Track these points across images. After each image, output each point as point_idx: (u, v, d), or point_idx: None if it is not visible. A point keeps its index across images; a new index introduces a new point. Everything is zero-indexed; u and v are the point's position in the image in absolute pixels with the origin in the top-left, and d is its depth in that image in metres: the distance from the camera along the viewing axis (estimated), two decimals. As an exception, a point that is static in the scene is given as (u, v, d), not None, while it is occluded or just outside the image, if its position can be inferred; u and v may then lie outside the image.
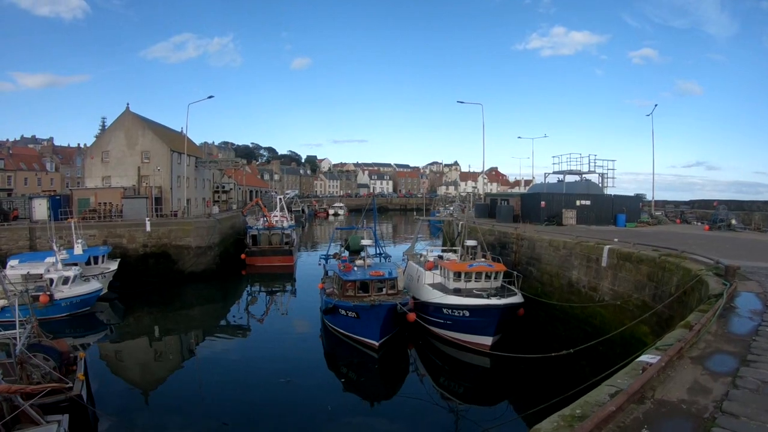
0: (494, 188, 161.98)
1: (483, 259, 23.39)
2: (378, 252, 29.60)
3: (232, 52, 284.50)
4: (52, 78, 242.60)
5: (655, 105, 42.17)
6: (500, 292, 21.01)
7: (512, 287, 21.52)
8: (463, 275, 21.68)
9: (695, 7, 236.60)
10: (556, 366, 13.41)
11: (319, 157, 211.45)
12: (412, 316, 20.73)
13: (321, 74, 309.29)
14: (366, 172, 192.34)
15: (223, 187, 60.25)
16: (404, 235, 56.04)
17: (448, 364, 20.09)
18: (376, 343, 20.08)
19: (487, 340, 19.89)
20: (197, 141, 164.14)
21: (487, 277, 21.77)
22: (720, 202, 39.67)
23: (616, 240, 20.28)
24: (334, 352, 21.57)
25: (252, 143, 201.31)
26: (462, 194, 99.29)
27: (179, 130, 61.52)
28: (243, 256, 42.44)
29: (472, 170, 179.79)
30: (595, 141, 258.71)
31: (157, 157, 46.75)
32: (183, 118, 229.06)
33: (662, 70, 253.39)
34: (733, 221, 31.93)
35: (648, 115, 40.42)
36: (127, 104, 49.21)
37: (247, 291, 37.07)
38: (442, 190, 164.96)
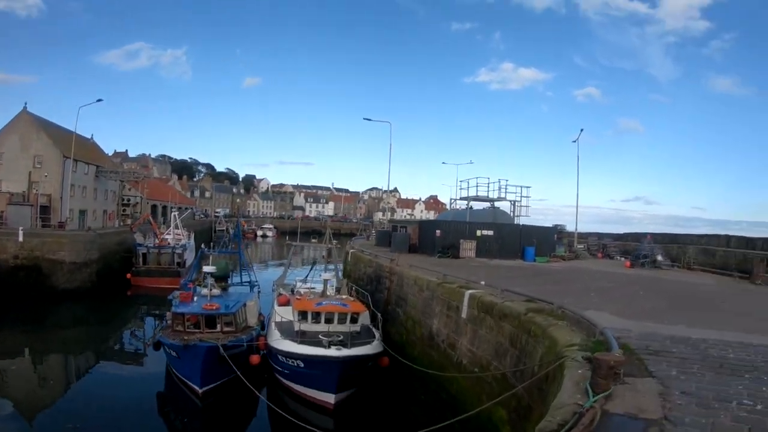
0: (431, 216, 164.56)
1: (342, 296, 21.01)
2: (245, 279, 27.61)
3: (184, 64, 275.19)
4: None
5: (581, 130, 42.51)
6: (356, 338, 17.86)
7: (377, 331, 18.94)
8: (309, 315, 18.60)
9: (641, 50, 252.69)
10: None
11: (258, 177, 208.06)
12: (254, 359, 18.60)
13: (271, 95, 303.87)
14: (302, 195, 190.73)
15: (128, 200, 57.54)
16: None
17: (288, 421, 15.40)
18: (199, 390, 17.64)
19: (329, 398, 16.69)
20: (136, 152, 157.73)
21: (341, 319, 18.46)
22: (653, 235, 37.09)
23: (482, 283, 16.42)
24: (169, 393, 19.03)
25: (190, 158, 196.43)
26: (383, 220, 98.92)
27: (89, 137, 58.78)
28: (128, 275, 39.61)
29: (409, 197, 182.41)
30: (536, 174, 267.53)
31: (48, 162, 43.99)
32: (126, 125, 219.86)
33: (605, 109, 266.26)
34: (659, 257, 28.90)
35: (573, 142, 40.04)
36: (25, 104, 46.49)
37: (121, 313, 34.33)
38: (378, 216, 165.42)
